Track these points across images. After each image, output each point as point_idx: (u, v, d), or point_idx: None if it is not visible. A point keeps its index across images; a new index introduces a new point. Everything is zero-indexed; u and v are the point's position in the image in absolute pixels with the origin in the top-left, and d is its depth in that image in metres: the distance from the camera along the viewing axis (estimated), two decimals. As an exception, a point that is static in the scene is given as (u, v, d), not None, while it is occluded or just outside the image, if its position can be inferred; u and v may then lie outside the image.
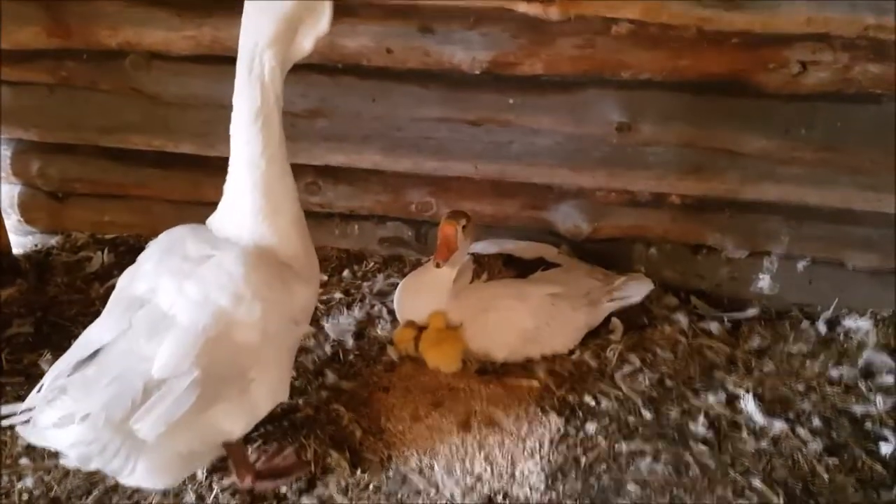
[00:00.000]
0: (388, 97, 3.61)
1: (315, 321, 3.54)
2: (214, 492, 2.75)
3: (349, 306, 3.64)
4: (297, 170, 3.81)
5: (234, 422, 2.48)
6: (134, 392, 2.15)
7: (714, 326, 3.56)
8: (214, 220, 2.61)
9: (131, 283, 2.45)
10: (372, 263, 3.98)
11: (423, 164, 3.73)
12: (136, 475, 2.28)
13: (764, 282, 3.76)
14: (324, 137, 3.76)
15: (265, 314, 2.38)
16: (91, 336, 2.32)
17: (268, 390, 2.51)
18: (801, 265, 3.69)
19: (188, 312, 2.27)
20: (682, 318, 3.58)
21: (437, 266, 3.13)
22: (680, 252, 3.79)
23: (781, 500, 2.72)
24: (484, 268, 3.45)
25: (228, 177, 2.54)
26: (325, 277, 3.88)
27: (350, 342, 3.43)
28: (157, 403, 2.16)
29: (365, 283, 3.82)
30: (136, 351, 2.24)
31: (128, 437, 2.16)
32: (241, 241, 2.49)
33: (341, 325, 3.49)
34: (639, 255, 3.83)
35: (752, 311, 3.65)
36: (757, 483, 2.79)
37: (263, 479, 2.76)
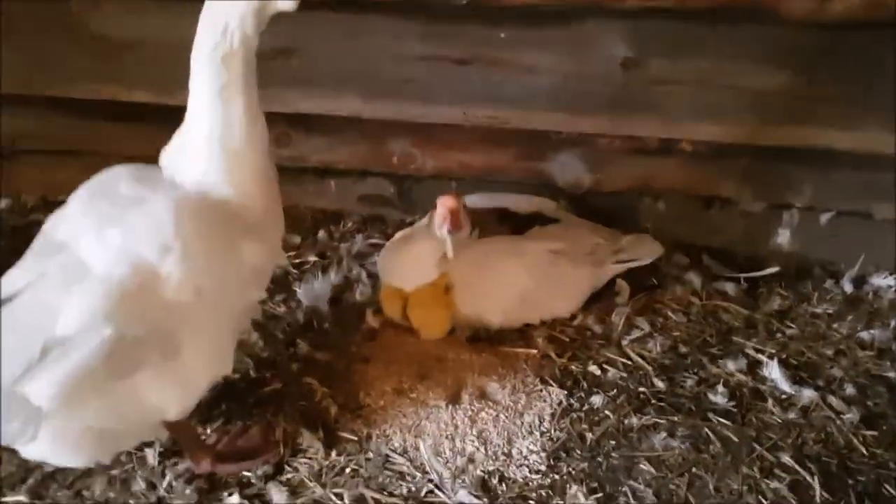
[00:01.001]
0: (366, 33, 3.21)
1: (287, 287, 3.18)
2: (167, 478, 2.40)
3: (325, 270, 3.27)
4: (268, 119, 3.52)
5: (165, 396, 2.12)
6: (31, 349, 1.81)
7: (730, 287, 3.21)
8: (166, 155, 2.23)
9: (55, 226, 2.11)
10: (350, 223, 3.61)
11: (405, 108, 3.34)
12: (38, 447, 1.93)
13: (783, 237, 3.41)
14: (296, 81, 3.36)
15: (199, 271, 2.04)
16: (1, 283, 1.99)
17: (204, 361, 2.16)
18: (824, 218, 3.34)
19: (105, 262, 1.96)
20: (694, 279, 3.24)
21: (450, 233, 2.72)
22: (691, 205, 3.43)
23: (816, 480, 2.39)
24: (475, 224, 3.07)
25: (187, 111, 2.18)
26: (299, 240, 3.50)
27: (325, 308, 3.06)
28: (52, 364, 1.82)
29: (343, 245, 3.45)
30: (45, 302, 1.90)
31: (24, 402, 1.80)
32: (186, 185, 2.12)
33: (316, 290, 3.12)
34: (646, 210, 3.46)
35: (770, 269, 3.28)
36: (787, 459, 2.46)
37: (225, 462, 2.42)
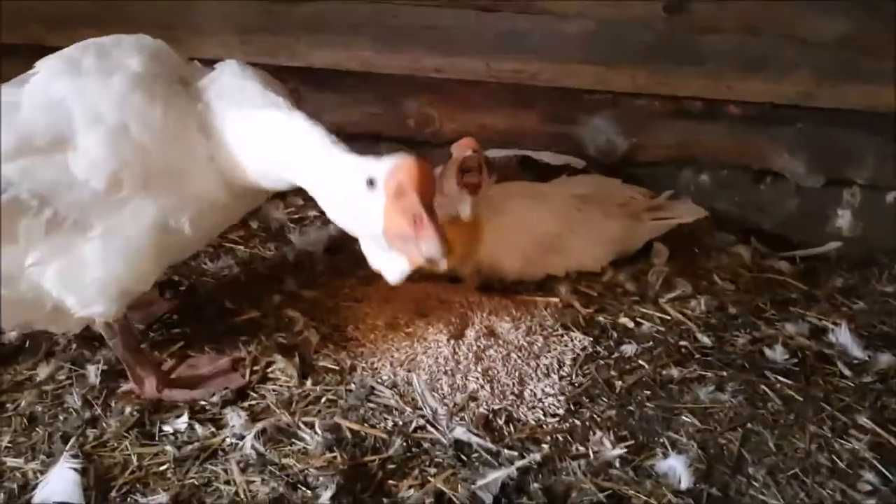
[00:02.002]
0: (384, -27, 2.97)
1: (282, 236, 2.83)
2: (103, 397, 2.00)
3: (325, 223, 2.90)
4: (277, 74, 3.25)
5: (58, 282, 1.84)
6: None
7: (783, 265, 2.79)
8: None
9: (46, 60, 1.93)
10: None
11: (422, 60, 3.06)
12: None
13: (843, 219, 3.01)
14: (306, 29, 3.11)
15: (124, 161, 1.78)
16: None
17: (106, 264, 1.84)
18: (890, 197, 2.95)
19: (30, 108, 1.81)
20: (743, 251, 2.82)
21: (472, 193, 2.33)
22: (738, 179, 3.06)
23: (903, 443, 1.92)
24: (493, 169, 2.72)
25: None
26: (301, 201, 3.15)
27: (319, 253, 2.69)
28: None
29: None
30: None
31: None
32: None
33: (311, 236, 2.79)
34: (686, 183, 3.10)
35: (832, 244, 2.87)
36: (864, 421, 2.00)
37: (174, 388, 2.03)
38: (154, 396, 2.01)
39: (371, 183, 1.67)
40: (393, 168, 1.66)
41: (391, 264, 1.77)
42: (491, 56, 3.02)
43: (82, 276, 1.84)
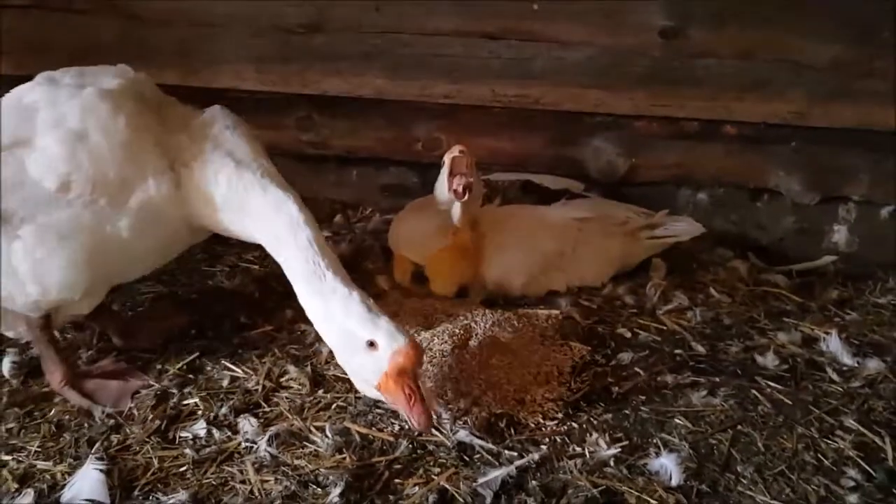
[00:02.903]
0: (393, 5, 3.12)
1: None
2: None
3: (337, 243, 3.03)
4: (289, 101, 3.42)
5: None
6: None
7: (780, 279, 2.88)
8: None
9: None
10: (370, 211, 3.39)
11: (432, 87, 3.20)
12: None
13: (840, 234, 3.10)
14: (319, 57, 3.26)
15: (76, 162, 1.91)
16: None
17: (38, 264, 1.96)
18: (885, 212, 3.04)
19: (4, 111, 1.97)
20: (740, 265, 2.92)
21: (459, 198, 2.42)
22: (735, 197, 3.16)
23: (888, 442, 1.99)
24: (497, 192, 2.85)
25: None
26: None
27: (331, 270, 2.80)
28: None
29: (359, 224, 3.23)
30: None
31: None
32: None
33: (323, 255, 2.87)
34: (685, 202, 3.21)
35: (828, 258, 2.96)
36: (851, 423, 2.09)
37: (75, 388, 2.17)
38: (56, 390, 2.16)
39: (371, 345, 1.87)
40: (397, 351, 1.85)
41: (363, 387, 1.99)
42: (496, 81, 3.16)
43: (14, 271, 1.96)
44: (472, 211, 2.52)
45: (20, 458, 1.95)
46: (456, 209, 2.45)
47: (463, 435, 2.00)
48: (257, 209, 1.99)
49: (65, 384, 2.16)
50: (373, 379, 1.88)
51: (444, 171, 2.47)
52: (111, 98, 1.96)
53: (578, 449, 1.98)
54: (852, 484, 1.88)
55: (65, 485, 1.87)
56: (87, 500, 1.81)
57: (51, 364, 2.16)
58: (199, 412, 2.11)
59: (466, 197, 2.38)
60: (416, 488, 1.86)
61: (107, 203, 1.94)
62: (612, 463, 1.93)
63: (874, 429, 2.06)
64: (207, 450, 1.98)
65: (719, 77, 2.97)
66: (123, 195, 1.95)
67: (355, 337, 1.88)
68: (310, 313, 1.97)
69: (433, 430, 2.02)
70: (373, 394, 1.95)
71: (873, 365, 2.31)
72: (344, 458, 1.93)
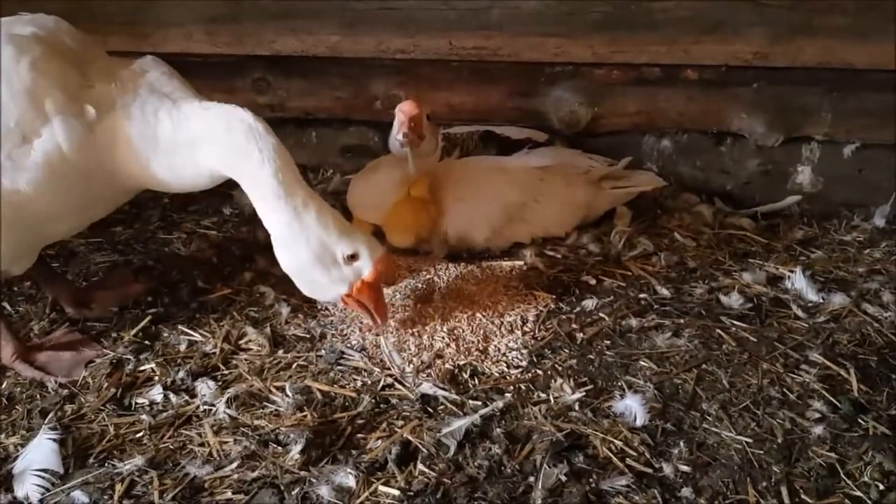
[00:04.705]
0: (344, -42, 3.04)
1: (255, 221, 2.88)
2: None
3: (296, 205, 2.96)
4: (244, 63, 3.33)
5: None
6: None
7: (746, 222, 2.86)
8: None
9: None
10: (330, 172, 3.32)
11: (388, 42, 3.12)
12: None
13: (804, 175, 3.07)
14: (272, 15, 3.17)
15: None
16: None
17: None
18: (847, 150, 3.01)
19: None
20: (705, 210, 2.89)
21: (404, 145, 2.37)
22: (699, 142, 3.12)
23: (854, 375, 1.98)
24: (456, 144, 2.80)
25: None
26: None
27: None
28: None
29: (319, 186, 3.17)
30: None
31: None
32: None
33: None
34: (649, 150, 3.16)
35: (792, 198, 2.95)
36: (816, 356, 2.07)
37: (27, 361, 2.12)
38: (7, 364, 2.10)
39: (352, 257, 1.96)
40: (379, 259, 2.00)
41: (327, 296, 2.07)
42: (453, 33, 3.09)
43: None
44: (429, 164, 2.46)
45: (-30, 433, 1.89)
46: (409, 158, 2.39)
47: (426, 387, 1.97)
48: (208, 131, 1.87)
49: (16, 358, 2.10)
50: (343, 288, 1.99)
51: (396, 123, 2.42)
52: (15, 43, 1.83)
53: (543, 395, 1.96)
54: (818, 416, 1.87)
55: (17, 456, 1.82)
56: (38, 469, 1.76)
57: (1, 339, 2.10)
58: (156, 378, 2.06)
59: (413, 141, 2.32)
60: (379, 441, 1.82)
61: (8, 156, 1.80)
62: (576, 407, 1.91)
63: (839, 361, 2.05)
64: (164, 414, 1.94)
65: (677, 20, 2.91)
66: (26, 146, 1.81)
67: (329, 251, 1.93)
68: (274, 227, 1.93)
69: (396, 385, 1.99)
70: (329, 299, 2.08)
71: (838, 300, 2.30)
72: (305, 416, 1.90)
